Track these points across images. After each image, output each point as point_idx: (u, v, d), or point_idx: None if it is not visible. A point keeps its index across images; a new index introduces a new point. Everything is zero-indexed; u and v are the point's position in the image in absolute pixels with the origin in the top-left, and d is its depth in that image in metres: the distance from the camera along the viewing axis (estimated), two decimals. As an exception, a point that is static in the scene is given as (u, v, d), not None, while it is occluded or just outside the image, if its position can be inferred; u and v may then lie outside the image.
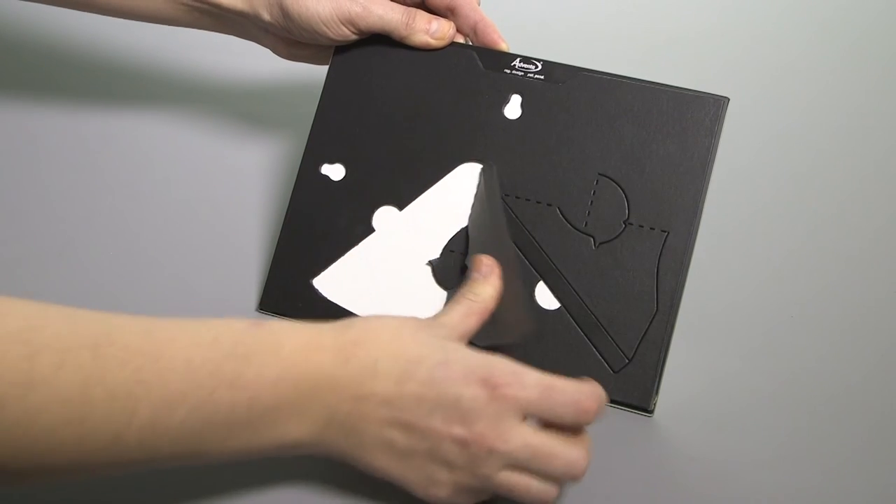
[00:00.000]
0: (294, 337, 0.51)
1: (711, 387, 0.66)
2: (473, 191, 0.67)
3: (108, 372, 0.45)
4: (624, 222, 0.65)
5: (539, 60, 0.68)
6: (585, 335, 0.64)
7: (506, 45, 0.70)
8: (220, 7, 0.70)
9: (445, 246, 0.67)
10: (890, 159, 0.84)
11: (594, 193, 0.65)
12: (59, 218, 0.74)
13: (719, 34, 0.96)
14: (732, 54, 0.94)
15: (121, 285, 0.70)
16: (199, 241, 0.74)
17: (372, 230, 0.68)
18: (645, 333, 0.63)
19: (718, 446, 0.62)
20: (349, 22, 0.68)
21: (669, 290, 0.63)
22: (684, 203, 0.64)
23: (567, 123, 0.67)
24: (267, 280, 0.69)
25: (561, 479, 0.52)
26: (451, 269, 0.66)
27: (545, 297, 0.65)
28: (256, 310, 0.69)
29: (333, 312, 0.66)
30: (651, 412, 0.62)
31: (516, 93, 0.68)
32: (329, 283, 0.67)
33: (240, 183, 0.78)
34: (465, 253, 0.66)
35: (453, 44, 0.70)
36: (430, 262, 0.67)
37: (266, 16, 0.69)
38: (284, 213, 0.69)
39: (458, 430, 0.50)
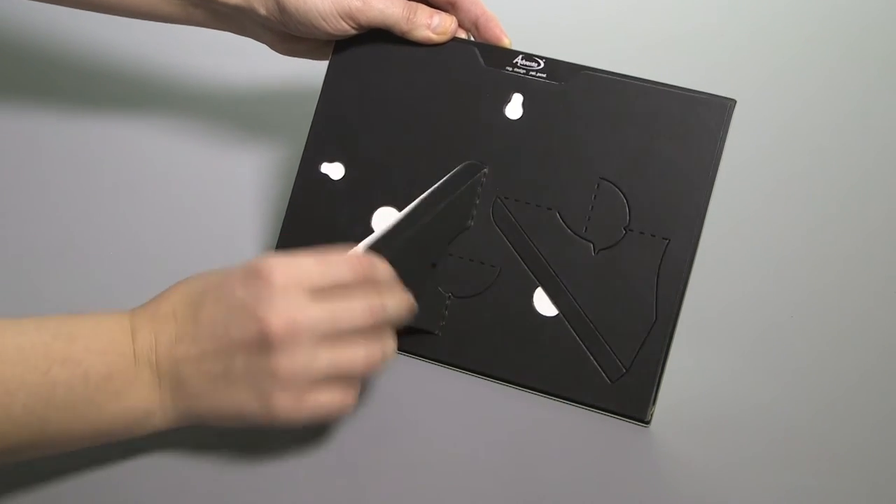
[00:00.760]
0: (109, 316, 0.55)
1: (710, 388, 0.66)
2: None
3: None
4: (625, 228, 0.63)
5: (541, 58, 0.67)
6: (583, 343, 0.63)
7: (508, 41, 0.68)
8: (215, 2, 0.69)
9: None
10: (890, 160, 0.82)
11: (595, 198, 0.64)
12: (59, 219, 0.75)
13: (725, 33, 0.95)
14: (738, 53, 0.93)
15: (120, 285, 0.70)
16: (199, 240, 0.74)
17: (371, 231, 0.67)
18: (643, 343, 0.62)
19: (716, 449, 0.61)
20: (349, 16, 0.66)
21: (669, 300, 0.62)
22: (687, 211, 0.62)
23: (569, 125, 0.65)
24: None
25: (379, 324, 0.55)
26: (453, 272, 0.66)
27: (543, 304, 0.64)
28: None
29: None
30: (648, 423, 0.62)
31: (518, 92, 0.66)
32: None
33: (240, 183, 0.78)
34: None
35: (455, 39, 0.68)
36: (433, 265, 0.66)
37: (262, 10, 0.68)
38: (284, 213, 0.69)
39: (254, 328, 0.52)
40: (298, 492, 0.56)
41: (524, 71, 0.67)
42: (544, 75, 0.66)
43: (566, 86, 0.66)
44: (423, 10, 0.67)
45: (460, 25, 0.69)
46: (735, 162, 0.66)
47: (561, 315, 0.64)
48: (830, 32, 0.96)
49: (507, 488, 0.58)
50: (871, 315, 0.70)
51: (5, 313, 0.53)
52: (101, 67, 0.88)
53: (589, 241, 0.64)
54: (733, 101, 0.63)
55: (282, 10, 0.67)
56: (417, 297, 0.63)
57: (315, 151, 0.69)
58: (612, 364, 0.62)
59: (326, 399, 0.54)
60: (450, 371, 0.65)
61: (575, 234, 0.64)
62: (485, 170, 0.66)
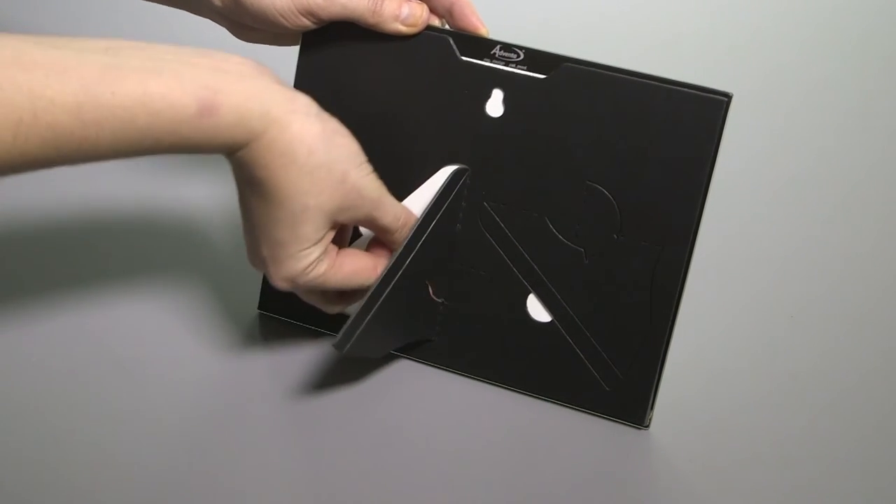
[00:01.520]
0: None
1: (710, 388, 0.66)
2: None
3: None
4: (616, 235, 0.61)
5: (521, 48, 0.61)
6: (578, 350, 0.62)
7: (486, 31, 0.62)
8: None
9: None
10: (890, 159, 0.76)
11: (584, 203, 0.61)
12: (60, 218, 0.74)
13: (721, 29, 0.89)
14: (734, 49, 0.87)
15: (121, 285, 0.70)
16: (198, 241, 0.73)
17: (359, 234, 0.65)
18: (639, 350, 0.61)
19: (716, 450, 0.62)
20: (309, 13, 0.61)
21: (664, 307, 0.60)
22: (680, 216, 0.59)
23: (553, 124, 0.61)
24: (265, 281, 0.68)
25: None
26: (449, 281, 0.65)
27: (537, 310, 0.63)
28: (258, 309, 0.70)
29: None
30: (646, 427, 0.62)
31: (498, 87, 0.62)
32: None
33: (224, 187, 0.76)
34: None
35: (428, 27, 0.63)
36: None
37: (216, 0, 0.63)
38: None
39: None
40: (298, 492, 0.58)
41: (503, 62, 0.61)
42: (525, 67, 0.61)
43: (548, 80, 0.61)
44: None
45: (434, 11, 0.63)
46: (736, 160, 0.62)
47: (555, 321, 0.63)
48: (830, 30, 0.90)
49: (505, 489, 0.59)
50: (872, 315, 0.68)
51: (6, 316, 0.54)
52: None
53: (580, 247, 0.62)
54: (729, 97, 0.58)
55: (237, 4, 0.62)
56: (416, 314, 0.62)
57: None
58: (609, 370, 0.62)
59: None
60: (447, 372, 0.66)
61: (565, 240, 0.62)
62: (468, 171, 0.63)
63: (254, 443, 0.60)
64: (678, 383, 0.64)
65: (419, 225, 0.61)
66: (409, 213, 0.62)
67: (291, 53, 0.67)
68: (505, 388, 0.65)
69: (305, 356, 0.64)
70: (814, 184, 0.79)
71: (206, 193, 0.78)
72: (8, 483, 0.55)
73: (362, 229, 0.64)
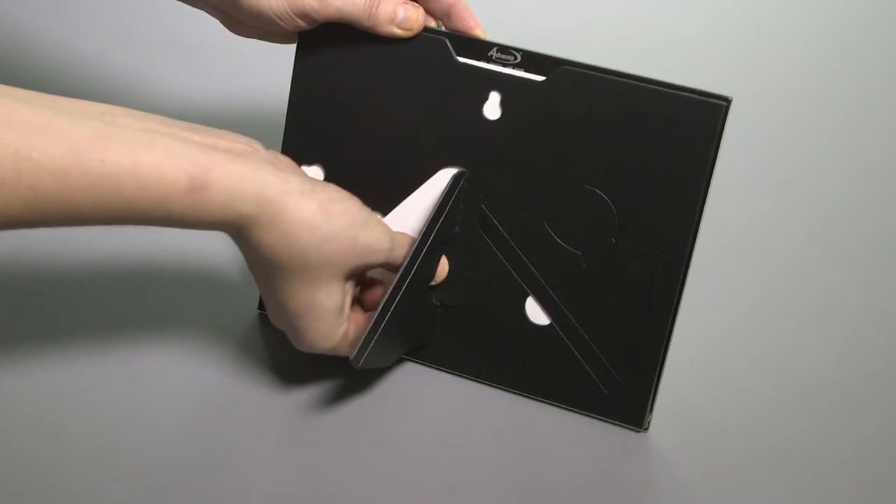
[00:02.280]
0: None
1: (709, 389, 0.66)
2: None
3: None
4: (614, 239, 0.60)
5: (518, 50, 0.61)
6: (577, 353, 0.62)
7: (481, 31, 0.62)
8: None
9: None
10: (889, 160, 0.76)
11: (582, 206, 0.61)
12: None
13: (718, 29, 0.88)
14: (733, 52, 0.87)
15: (122, 285, 0.71)
16: (198, 241, 0.73)
17: None
18: (637, 354, 0.61)
19: (716, 451, 0.62)
20: (304, 15, 0.61)
21: (663, 311, 0.60)
22: (679, 221, 0.59)
23: (551, 127, 0.60)
24: (263, 281, 0.69)
25: None
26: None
27: (535, 313, 0.63)
28: (258, 309, 0.70)
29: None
30: (645, 429, 0.62)
31: (495, 90, 0.61)
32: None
33: None
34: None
35: (424, 29, 0.62)
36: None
37: None
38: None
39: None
40: (299, 493, 0.58)
41: (500, 64, 0.61)
42: (522, 69, 0.61)
43: (546, 83, 0.60)
44: (387, 1, 0.61)
45: (430, 14, 0.63)
46: (736, 160, 0.62)
47: (553, 324, 0.62)
48: (829, 32, 0.90)
49: (504, 492, 0.59)
50: (872, 315, 0.68)
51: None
52: (64, 71, 0.86)
53: (578, 251, 0.61)
54: (728, 101, 0.57)
55: (233, 2, 0.61)
56: (419, 319, 0.62)
57: (291, 154, 0.66)
58: (608, 373, 0.62)
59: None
60: (445, 375, 0.66)
61: (563, 243, 0.61)
62: (466, 173, 0.63)
63: (254, 443, 0.60)
64: (677, 385, 0.64)
65: (422, 235, 0.60)
66: (413, 239, 0.62)
67: (289, 50, 0.66)
68: (504, 390, 0.65)
69: (305, 357, 0.64)
70: (813, 186, 0.79)
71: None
72: (11, 483, 0.56)
73: None
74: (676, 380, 0.63)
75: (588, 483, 0.59)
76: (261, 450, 0.60)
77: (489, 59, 0.61)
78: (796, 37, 0.91)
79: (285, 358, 0.66)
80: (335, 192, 0.57)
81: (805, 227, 0.77)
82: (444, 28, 0.63)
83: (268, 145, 0.76)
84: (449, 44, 0.62)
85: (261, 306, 0.69)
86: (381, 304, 0.58)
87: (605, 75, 0.59)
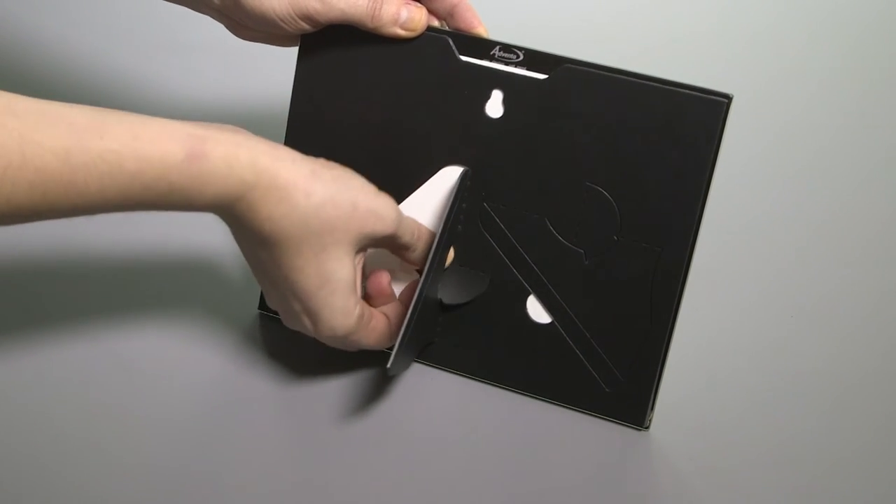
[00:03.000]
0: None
1: (710, 388, 0.66)
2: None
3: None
4: (616, 237, 0.61)
5: (521, 49, 0.61)
6: (578, 351, 0.62)
7: (484, 30, 0.62)
8: None
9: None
10: (890, 161, 0.76)
11: (583, 204, 0.61)
12: (63, 221, 0.74)
13: (720, 26, 0.89)
14: (735, 49, 0.88)
15: (124, 283, 0.71)
16: (199, 241, 0.73)
17: None
18: (639, 352, 0.61)
19: (716, 450, 0.62)
20: (307, 18, 0.61)
21: (664, 309, 0.60)
22: (680, 219, 0.59)
23: (552, 125, 0.61)
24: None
25: None
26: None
27: (537, 311, 0.63)
28: (258, 309, 0.70)
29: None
30: (646, 428, 0.62)
31: (498, 88, 0.61)
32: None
33: None
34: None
35: (427, 28, 0.63)
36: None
37: (216, 0, 0.63)
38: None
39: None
40: (300, 491, 0.58)
41: (503, 63, 0.61)
42: (525, 67, 0.61)
43: (548, 81, 0.60)
44: (390, 2, 0.61)
45: (433, 13, 0.63)
46: (736, 160, 0.62)
47: (555, 323, 0.63)
48: (830, 30, 0.91)
49: (505, 490, 0.59)
50: (872, 315, 0.68)
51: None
52: (66, 72, 0.87)
53: (580, 248, 0.61)
54: (729, 98, 0.57)
55: (237, 6, 0.62)
56: (431, 321, 0.63)
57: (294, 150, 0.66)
58: (609, 372, 0.62)
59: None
60: (447, 373, 0.66)
61: (565, 241, 0.62)
62: (470, 172, 0.63)
63: (254, 441, 0.60)
64: (678, 384, 0.64)
65: (441, 232, 0.61)
66: (420, 224, 0.62)
67: (290, 53, 0.67)
68: (505, 388, 0.65)
69: (305, 356, 0.64)
70: (814, 183, 0.79)
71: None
72: (12, 480, 0.56)
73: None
74: (677, 378, 0.63)
75: (589, 481, 0.59)
76: (261, 448, 0.60)
77: (492, 58, 0.61)
78: (798, 34, 0.91)
79: (286, 357, 0.66)
80: (328, 162, 0.57)
81: (806, 227, 0.77)
82: (447, 27, 0.64)
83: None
84: (452, 43, 0.62)
85: (261, 306, 0.69)
86: (410, 310, 0.58)
87: (606, 73, 0.59)
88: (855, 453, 0.62)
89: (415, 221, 0.61)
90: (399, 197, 0.64)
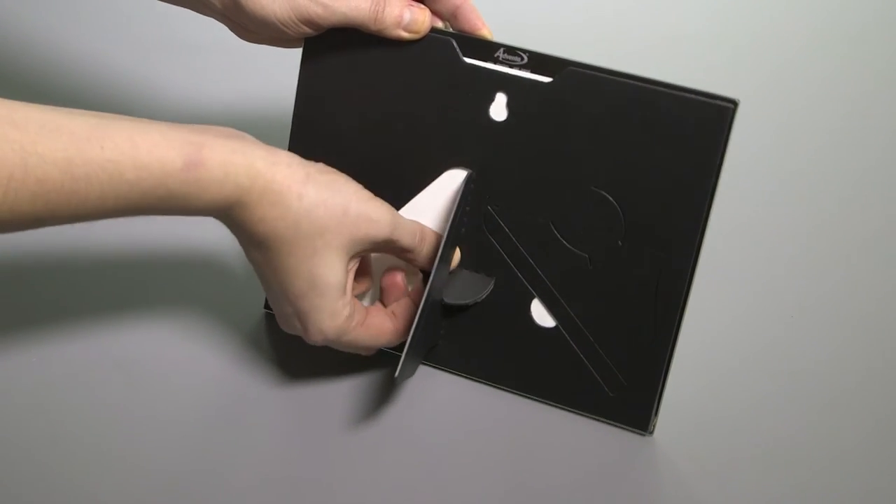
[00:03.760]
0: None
1: (711, 390, 0.65)
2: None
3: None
4: (620, 241, 0.60)
5: (525, 51, 0.60)
6: (582, 355, 0.62)
7: (488, 32, 0.62)
8: None
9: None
10: (890, 163, 0.76)
11: (588, 208, 0.60)
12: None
13: (725, 31, 0.89)
14: (738, 52, 0.87)
15: (128, 284, 0.71)
16: (204, 241, 0.73)
17: None
18: (643, 357, 0.61)
19: (718, 452, 0.62)
20: (309, 22, 0.61)
21: (669, 314, 0.60)
22: (685, 224, 0.59)
23: (557, 129, 0.60)
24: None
25: None
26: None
27: (541, 315, 0.63)
28: (264, 308, 0.70)
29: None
30: (650, 433, 0.62)
31: (501, 91, 0.61)
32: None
33: None
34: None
35: (430, 29, 0.62)
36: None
37: (217, 4, 0.62)
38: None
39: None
40: (303, 491, 0.58)
41: (507, 65, 0.61)
42: (529, 70, 0.60)
43: (552, 85, 0.60)
44: (393, 4, 0.61)
45: (437, 15, 0.63)
46: (735, 161, 0.61)
47: (559, 327, 0.62)
48: (834, 32, 0.90)
49: (508, 493, 0.59)
50: (872, 315, 0.68)
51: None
52: (68, 72, 0.87)
53: (584, 253, 0.61)
54: (736, 103, 0.57)
55: (238, 10, 0.61)
56: (435, 324, 0.63)
57: (297, 153, 0.66)
58: (613, 376, 0.62)
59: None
60: (451, 376, 0.66)
61: (569, 245, 0.61)
62: (474, 175, 0.63)
63: (259, 441, 0.60)
64: (682, 388, 0.63)
65: (447, 235, 0.60)
66: (422, 226, 0.62)
67: (294, 53, 0.66)
68: (509, 392, 0.65)
69: (310, 355, 0.64)
70: (815, 185, 0.79)
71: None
72: (13, 480, 0.56)
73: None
74: (681, 383, 0.63)
75: (593, 486, 0.59)
76: (266, 448, 0.60)
77: (496, 60, 0.61)
78: (802, 38, 0.91)
79: (291, 357, 0.66)
80: (325, 167, 0.58)
81: (806, 227, 0.77)
82: (450, 29, 0.63)
83: (273, 145, 0.77)
84: (455, 44, 0.61)
85: (267, 305, 0.69)
86: (418, 314, 0.58)
87: (611, 77, 0.58)
88: (858, 454, 0.62)
89: (417, 224, 0.61)
90: (403, 199, 0.64)
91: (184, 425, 0.61)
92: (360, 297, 0.65)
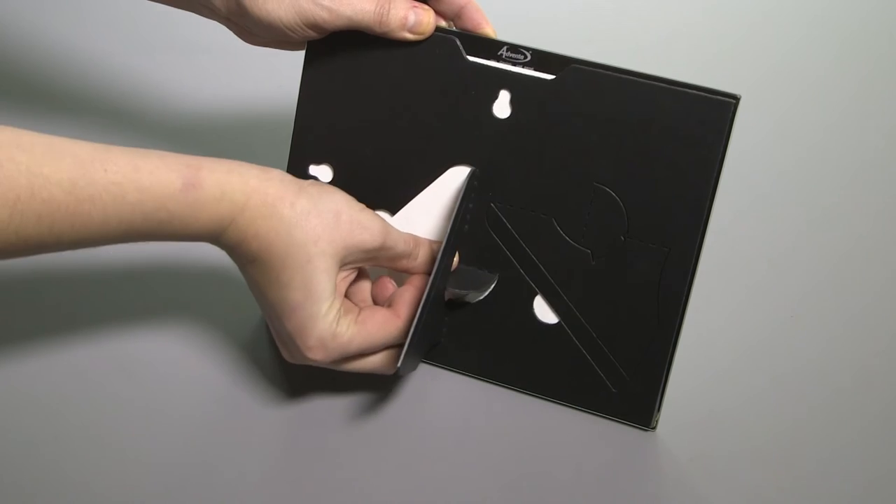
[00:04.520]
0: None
1: (711, 388, 0.66)
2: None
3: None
4: (623, 236, 0.61)
5: (528, 49, 0.61)
6: (585, 351, 0.62)
7: (492, 30, 0.62)
8: None
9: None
10: (891, 161, 0.76)
11: (591, 204, 0.61)
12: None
13: (728, 26, 0.89)
14: (738, 47, 0.88)
15: (129, 288, 0.71)
16: (207, 251, 0.73)
17: None
18: (646, 352, 0.61)
19: (719, 450, 0.62)
20: (314, 27, 0.61)
21: (671, 309, 0.60)
22: (688, 218, 0.59)
23: (560, 125, 0.61)
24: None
25: None
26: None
27: (543, 311, 0.63)
28: (263, 309, 0.70)
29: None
30: (653, 429, 0.62)
31: (505, 88, 0.61)
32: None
33: None
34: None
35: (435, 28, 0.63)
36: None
37: (222, 8, 0.63)
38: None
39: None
40: (304, 491, 0.58)
41: (510, 63, 0.61)
42: (532, 68, 0.61)
43: (556, 82, 0.60)
44: (398, 6, 0.61)
45: (441, 15, 0.63)
46: (736, 159, 0.62)
47: (562, 323, 0.63)
48: (834, 29, 0.91)
49: (511, 490, 0.59)
50: (872, 315, 0.68)
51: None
52: (69, 73, 0.87)
53: (587, 249, 0.62)
54: (737, 99, 0.57)
55: (243, 14, 0.62)
56: (438, 321, 0.63)
57: (300, 154, 0.66)
58: (616, 372, 0.62)
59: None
60: (453, 373, 0.66)
61: (572, 241, 0.62)
62: (477, 172, 0.63)
63: (259, 442, 0.60)
64: (684, 384, 0.64)
65: (450, 231, 0.61)
66: (415, 235, 0.62)
67: (297, 55, 0.67)
68: (511, 389, 0.65)
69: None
70: (815, 183, 0.79)
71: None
72: (13, 480, 0.56)
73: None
74: (684, 379, 0.63)
75: (596, 482, 0.59)
76: (266, 448, 0.60)
77: (499, 58, 0.61)
78: (805, 34, 0.91)
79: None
80: (318, 182, 0.59)
81: (806, 227, 0.77)
82: (454, 28, 0.64)
83: (276, 145, 0.78)
84: (459, 43, 0.62)
85: (268, 306, 0.69)
86: (419, 312, 0.58)
87: (614, 74, 0.59)
88: (860, 453, 0.62)
89: (408, 233, 0.62)
90: (406, 198, 0.64)
91: (186, 427, 0.61)
92: None
